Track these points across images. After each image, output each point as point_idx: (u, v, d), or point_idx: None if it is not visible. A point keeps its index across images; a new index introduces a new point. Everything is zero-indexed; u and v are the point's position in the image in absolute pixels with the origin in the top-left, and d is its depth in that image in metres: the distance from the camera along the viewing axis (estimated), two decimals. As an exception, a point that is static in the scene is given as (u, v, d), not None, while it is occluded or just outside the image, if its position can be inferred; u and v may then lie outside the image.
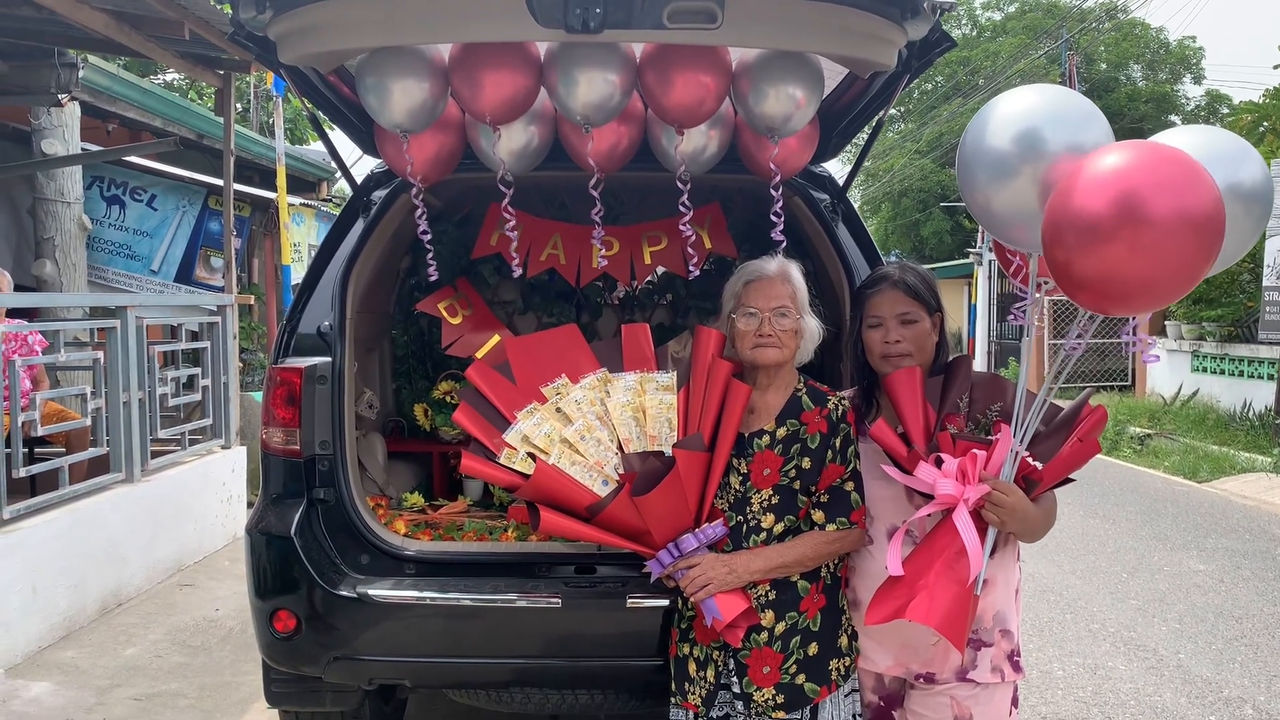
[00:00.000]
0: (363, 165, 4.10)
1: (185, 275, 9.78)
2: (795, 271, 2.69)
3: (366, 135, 3.42)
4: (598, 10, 2.33)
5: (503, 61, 2.68)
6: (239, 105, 20.71)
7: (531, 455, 2.65)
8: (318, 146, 16.49)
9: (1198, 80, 33.96)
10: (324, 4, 2.42)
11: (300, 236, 12.15)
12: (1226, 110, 29.48)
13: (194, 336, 7.15)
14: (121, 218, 9.59)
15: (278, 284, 10.91)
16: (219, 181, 8.72)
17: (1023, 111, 2.31)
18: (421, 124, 2.87)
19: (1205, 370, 14.25)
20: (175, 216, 9.71)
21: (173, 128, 9.63)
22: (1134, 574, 7.12)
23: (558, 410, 2.72)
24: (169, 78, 19.13)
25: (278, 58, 2.65)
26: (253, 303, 10.22)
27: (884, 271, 2.71)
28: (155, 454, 6.58)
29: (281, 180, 9.40)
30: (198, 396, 7.17)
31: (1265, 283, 11.47)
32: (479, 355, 4.01)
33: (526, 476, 2.61)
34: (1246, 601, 6.48)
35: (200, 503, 7.00)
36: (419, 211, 3.03)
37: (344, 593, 3.15)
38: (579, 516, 2.59)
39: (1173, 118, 31.35)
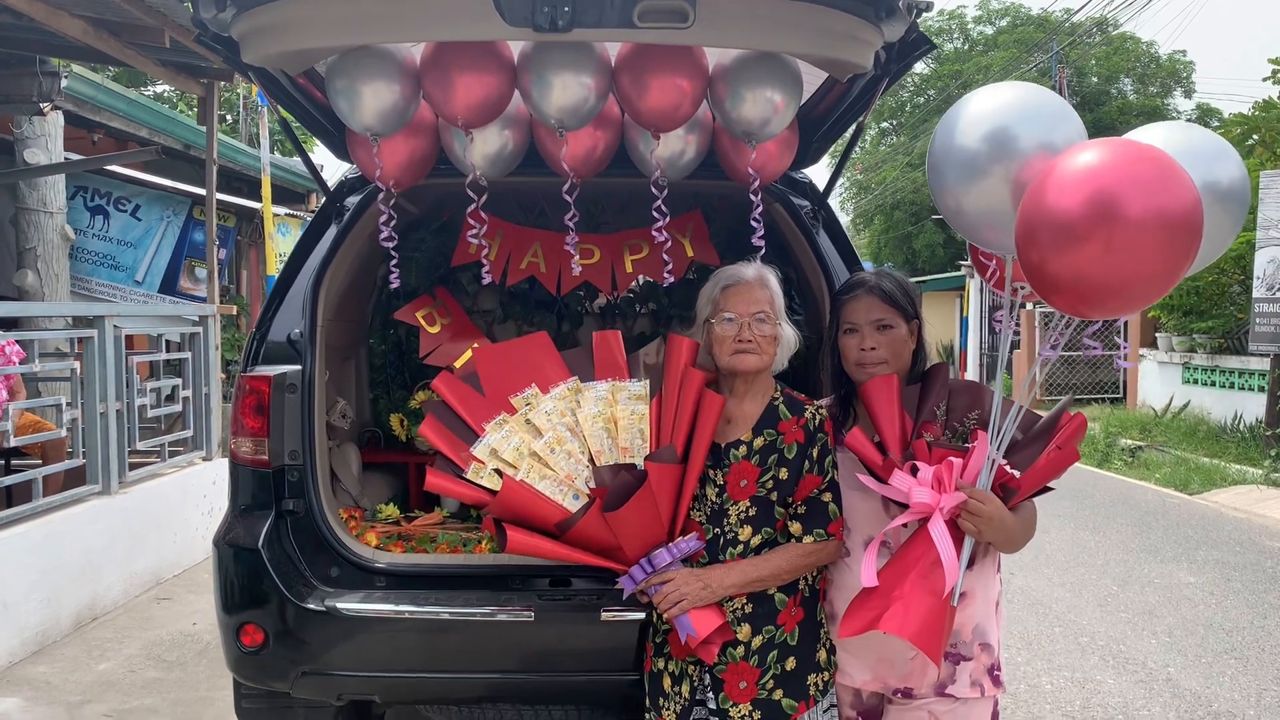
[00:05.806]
0: (342, 173, 4.04)
1: (170, 286, 9.72)
2: (772, 277, 2.64)
3: (339, 139, 3.37)
4: (566, 9, 2.28)
5: (474, 63, 2.62)
6: (229, 116, 20.68)
7: (499, 471, 2.58)
8: (307, 157, 16.43)
9: (1188, 94, 34.08)
10: (285, 3, 2.36)
11: (287, 247, 12.07)
12: (1217, 123, 29.57)
13: (176, 347, 7.07)
14: (105, 228, 9.53)
15: (263, 295, 10.86)
16: (204, 191, 8.67)
17: (993, 109, 2.25)
18: (392, 127, 2.81)
19: (1196, 382, 14.23)
20: (159, 227, 9.66)
21: (159, 138, 9.59)
22: (1124, 586, 7.07)
23: (527, 422, 2.65)
24: (159, 89, 19.10)
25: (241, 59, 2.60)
26: (236, 313, 10.16)
27: (860, 277, 2.65)
28: (134, 466, 6.49)
29: (266, 190, 9.35)
30: (179, 408, 7.09)
31: (1255, 294, 11.44)
32: (457, 365, 3.94)
33: (494, 493, 2.54)
34: (1237, 614, 6.43)
35: (180, 515, 6.91)
36: (384, 217, 2.97)
37: (312, 606, 3.08)
38: (548, 533, 2.52)
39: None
